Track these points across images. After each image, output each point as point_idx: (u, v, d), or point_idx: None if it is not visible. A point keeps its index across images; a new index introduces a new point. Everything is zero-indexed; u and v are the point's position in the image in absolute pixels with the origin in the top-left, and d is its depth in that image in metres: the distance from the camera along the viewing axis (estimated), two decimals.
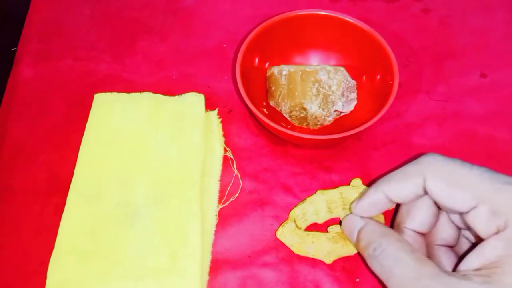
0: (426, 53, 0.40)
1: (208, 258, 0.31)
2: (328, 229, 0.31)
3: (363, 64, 0.36)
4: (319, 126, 0.36)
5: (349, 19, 0.36)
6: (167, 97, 0.36)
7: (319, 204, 0.32)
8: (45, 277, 0.29)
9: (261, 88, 0.37)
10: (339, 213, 0.32)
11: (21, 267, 0.30)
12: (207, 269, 0.30)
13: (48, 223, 0.31)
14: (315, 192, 0.33)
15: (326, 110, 0.34)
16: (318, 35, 0.37)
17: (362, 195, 0.29)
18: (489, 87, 0.38)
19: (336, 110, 0.35)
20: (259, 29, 0.35)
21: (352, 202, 0.30)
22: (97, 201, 0.31)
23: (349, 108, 0.35)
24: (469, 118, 0.37)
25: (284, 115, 0.35)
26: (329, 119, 0.35)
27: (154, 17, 0.42)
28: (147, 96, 0.35)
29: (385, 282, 0.25)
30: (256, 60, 0.37)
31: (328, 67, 0.35)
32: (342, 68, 0.35)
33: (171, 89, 0.37)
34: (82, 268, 0.29)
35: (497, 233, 0.23)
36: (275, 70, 0.35)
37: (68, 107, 0.37)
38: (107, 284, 0.29)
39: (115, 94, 0.36)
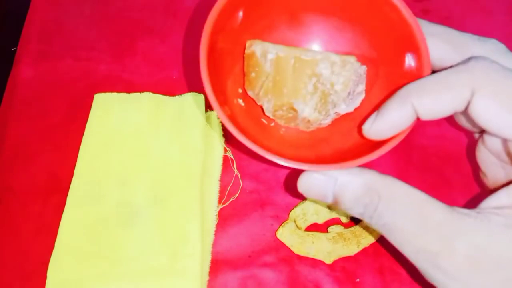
0: None
1: (208, 258, 0.31)
2: (328, 229, 0.32)
3: (384, 51, 0.27)
4: (311, 129, 0.27)
5: None
6: (167, 97, 0.36)
7: (319, 204, 0.32)
8: (45, 277, 0.29)
9: (236, 68, 0.27)
10: (339, 212, 0.32)
11: (21, 267, 0.30)
12: (207, 269, 0.30)
13: (48, 223, 0.31)
14: None
15: (324, 113, 0.26)
16: None
17: (379, 110, 0.22)
18: None
19: (336, 112, 0.26)
20: None
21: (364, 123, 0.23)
22: (97, 201, 0.31)
23: (353, 105, 0.27)
24: None
25: (267, 113, 0.27)
26: (326, 122, 0.27)
27: (154, 18, 0.42)
28: (147, 96, 0.35)
29: (386, 236, 0.22)
30: (239, 15, 0.26)
31: (333, 57, 0.24)
32: (352, 59, 0.25)
33: (171, 89, 0.37)
34: (82, 268, 0.29)
35: None
36: (257, 49, 0.25)
37: (68, 107, 0.37)
38: (107, 284, 0.29)
39: (115, 94, 0.36)
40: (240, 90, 0.28)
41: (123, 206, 0.31)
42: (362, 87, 0.27)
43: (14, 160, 0.34)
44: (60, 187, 0.32)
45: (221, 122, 0.35)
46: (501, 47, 0.22)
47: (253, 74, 0.26)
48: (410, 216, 0.20)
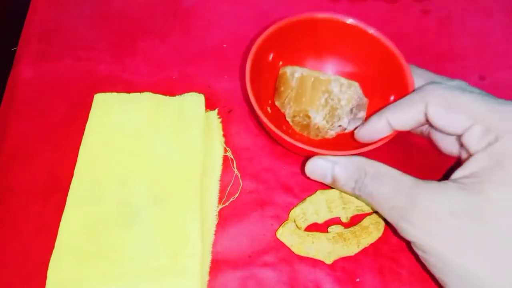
0: (425, 54, 0.40)
1: (208, 258, 0.31)
2: (328, 229, 0.32)
3: (378, 82, 0.35)
4: (319, 137, 0.34)
5: (375, 34, 0.33)
6: (167, 97, 0.36)
7: (319, 204, 0.32)
8: (45, 277, 0.29)
9: (269, 86, 0.35)
10: (339, 212, 0.32)
11: (21, 267, 0.30)
12: (207, 269, 0.30)
13: (48, 223, 0.31)
14: (315, 192, 0.33)
15: (330, 123, 0.33)
16: (338, 42, 0.35)
17: (366, 122, 0.31)
18: (488, 89, 0.38)
19: (340, 126, 0.33)
20: (279, 25, 0.33)
21: (355, 129, 0.32)
22: (97, 201, 0.31)
23: (354, 126, 0.34)
24: None
25: (287, 118, 0.34)
26: (332, 133, 0.34)
27: (154, 18, 0.42)
28: (147, 96, 0.35)
29: (370, 204, 0.28)
30: (271, 56, 0.35)
31: (342, 80, 0.33)
32: (356, 84, 0.33)
33: (171, 89, 0.37)
34: (82, 268, 0.29)
35: (486, 148, 0.25)
36: (288, 70, 0.34)
37: (68, 107, 0.37)
38: (107, 284, 0.29)
39: (115, 94, 0.36)
40: (269, 101, 0.35)
41: (123, 206, 0.31)
42: (363, 114, 0.34)
43: (14, 160, 0.34)
44: (60, 187, 0.32)
45: (221, 122, 0.36)
46: (464, 83, 0.29)
47: (282, 88, 0.34)
48: (387, 184, 0.27)
